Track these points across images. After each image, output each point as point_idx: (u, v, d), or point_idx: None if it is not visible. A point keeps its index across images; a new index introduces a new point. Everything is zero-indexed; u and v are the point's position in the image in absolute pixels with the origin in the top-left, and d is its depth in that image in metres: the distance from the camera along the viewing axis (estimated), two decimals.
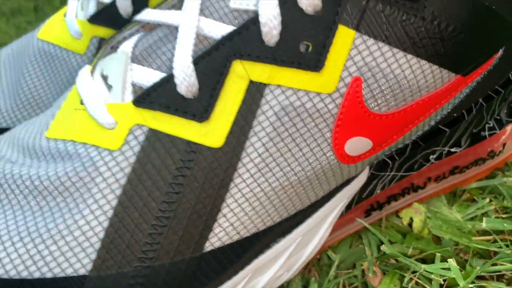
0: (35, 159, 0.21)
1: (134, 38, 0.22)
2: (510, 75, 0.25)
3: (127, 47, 0.21)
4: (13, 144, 0.22)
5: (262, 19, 0.18)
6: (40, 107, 0.30)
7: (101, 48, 0.29)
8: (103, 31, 0.29)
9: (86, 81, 0.21)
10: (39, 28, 0.32)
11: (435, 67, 0.20)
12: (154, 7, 0.22)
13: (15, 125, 0.30)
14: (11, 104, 0.30)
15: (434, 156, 0.25)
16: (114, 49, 0.22)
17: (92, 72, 0.22)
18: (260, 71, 0.19)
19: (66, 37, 0.30)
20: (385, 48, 0.19)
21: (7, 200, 0.20)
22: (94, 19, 0.29)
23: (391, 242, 0.25)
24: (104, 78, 0.21)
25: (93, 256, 0.19)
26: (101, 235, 0.19)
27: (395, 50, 0.19)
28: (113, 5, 0.29)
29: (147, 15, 0.22)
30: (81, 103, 0.21)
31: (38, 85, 0.30)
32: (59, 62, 0.30)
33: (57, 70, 0.30)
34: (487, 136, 0.26)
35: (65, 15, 0.31)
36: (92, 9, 0.29)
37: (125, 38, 0.22)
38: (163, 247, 0.19)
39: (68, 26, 0.30)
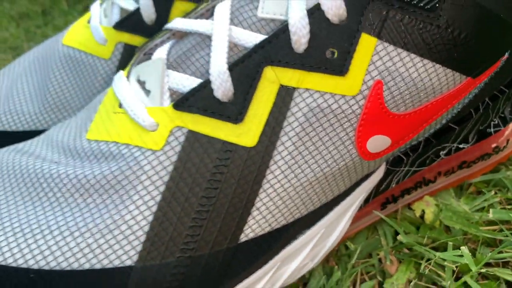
0: (78, 160, 0.22)
1: (167, 46, 0.23)
2: None
3: (161, 53, 0.23)
4: (52, 146, 0.24)
5: (292, 28, 0.20)
6: (67, 110, 0.31)
7: (125, 53, 0.31)
8: (127, 37, 0.31)
9: (124, 86, 0.23)
10: (63, 34, 0.34)
11: (448, 70, 0.22)
12: (184, 16, 0.24)
13: (44, 128, 0.31)
14: (39, 107, 0.31)
15: (444, 152, 0.27)
16: (147, 55, 0.24)
17: (128, 77, 0.23)
18: (290, 76, 0.20)
19: (91, 43, 0.31)
20: (404, 53, 0.21)
21: (55, 198, 0.21)
22: (119, 26, 0.30)
23: (405, 233, 0.27)
24: (141, 83, 0.23)
25: (139, 248, 0.20)
26: (146, 228, 0.20)
27: (412, 55, 0.21)
28: (137, 12, 0.30)
29: (178, 23, 0.23)
30: (120, 106, 0.22)
31: (64, 89, 0.32)
32: (84, 67, 0.31)
33: (83, 74, 0.31)
34: (492, 132, 0.28)
35: (88, 22, 0.33)
36: (116, 16, 0.31)
37: (157, 46, 0.24)
38: (203, 238, 0.21)
39: (93, 32, 0.31)
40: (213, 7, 0.23)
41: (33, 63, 0.34)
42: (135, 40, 0.31)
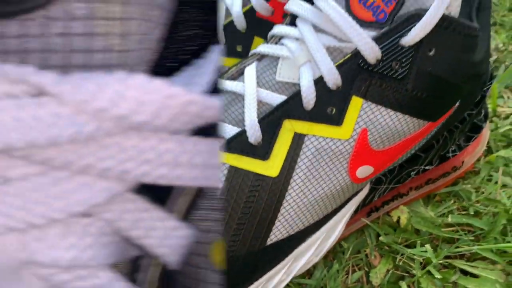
0: None
1: None
2: (466, 115, 0.35)
3: None
4: None
5: (303, 93, 0.28)
6: None
7: None
8: None
9: None
10: None
11: (414, 118, 0.30)
12: (219, 77, 0.32)
13: None
14: None
15: (414, 172, 0.36)
16: None
17: None
18: (302, 126, 0.29)
19: None
20: (382, 109, 0.29)
21: None
22: None
23: (385, 234, 0.36)
24: None
25: None
26: None
27: (389, 109, 0.29)
28: None
29: None
30: None
31: None
32: None
33: None
34: (450, 156, 0.37)
35: None
36: None
37: None
38: (241, 242, 0.29)
39: None
40: (241, 69, 0.31)
41: None
42: None
